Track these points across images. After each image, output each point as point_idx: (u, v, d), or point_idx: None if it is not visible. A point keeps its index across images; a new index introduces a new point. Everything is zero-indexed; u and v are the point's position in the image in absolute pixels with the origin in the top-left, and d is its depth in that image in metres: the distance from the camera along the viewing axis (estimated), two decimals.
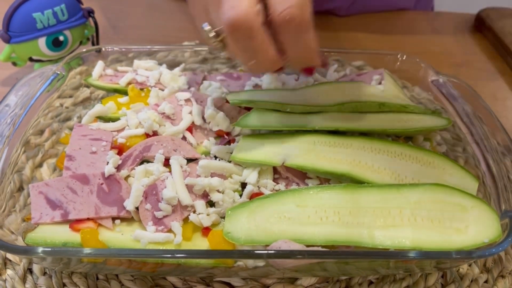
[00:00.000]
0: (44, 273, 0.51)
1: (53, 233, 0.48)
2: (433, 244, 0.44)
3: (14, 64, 0.75)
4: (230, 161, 0.54)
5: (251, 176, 0.52)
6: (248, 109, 0.59)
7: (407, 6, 1.09)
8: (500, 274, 0.54)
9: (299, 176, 0.53)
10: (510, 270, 0.54)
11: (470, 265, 0.54)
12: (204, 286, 0.51)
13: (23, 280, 0.50)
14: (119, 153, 0.55)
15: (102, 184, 0.51)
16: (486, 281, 0.53)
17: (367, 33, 0.98)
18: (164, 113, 0.59)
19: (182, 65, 0.70)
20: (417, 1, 1.10)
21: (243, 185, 0.52)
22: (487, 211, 0.46)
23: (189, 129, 0.58)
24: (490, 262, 0.54)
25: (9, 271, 0.51)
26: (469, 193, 0.48)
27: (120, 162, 0.53)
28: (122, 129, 0.58)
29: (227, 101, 0.60)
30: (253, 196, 0.50)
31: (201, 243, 0.48)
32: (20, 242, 0.46)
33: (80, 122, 0.63)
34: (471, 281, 0.53)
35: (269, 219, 0.46)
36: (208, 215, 0.49)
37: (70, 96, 0.71)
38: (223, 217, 0.49)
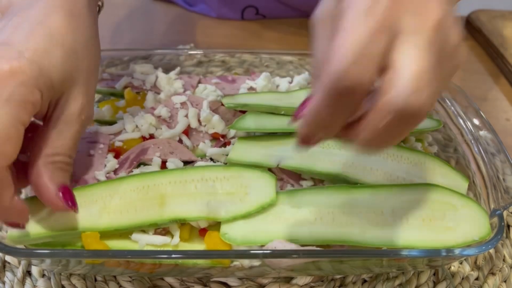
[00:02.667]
0: (43, 275, 0.52)
1: None
2: (424, 243, 0.45)
3: None
4: (226, 163, 0.55)
5: None
6: (243, 111, 0.60)
7: None
8: (491, 272, 0.55)
9: (293, 177, 0.54)
10: (500, 267, 0.55)
11: (461, 263, 0.55)
12: (201, 286, 0.52)
13: (22, 282, 0.51)
14: (116, 156, 0.56)
15: None
16: (477, 279, 0.54)
17: None
18: (160, 116, 0.59)
19: (177, 69, 0.71)
20: None
21: None
22: (476, 210, 0.47)
23: (185, 132, 0.59)
24: (481, 260, 0.56)
25: (8, 274, 0.52)
26: (459, 192, 0.49)
27: (117, 165, 0.54)
28: (119, 133, 0.58)
29: (222, 104, 0.60)
30: None
31: (198, 244, 0.48)
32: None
33: None
34: (462, 278, 0.54)
35: (264, 219, 0.47)
36: None
37: None
38: None
